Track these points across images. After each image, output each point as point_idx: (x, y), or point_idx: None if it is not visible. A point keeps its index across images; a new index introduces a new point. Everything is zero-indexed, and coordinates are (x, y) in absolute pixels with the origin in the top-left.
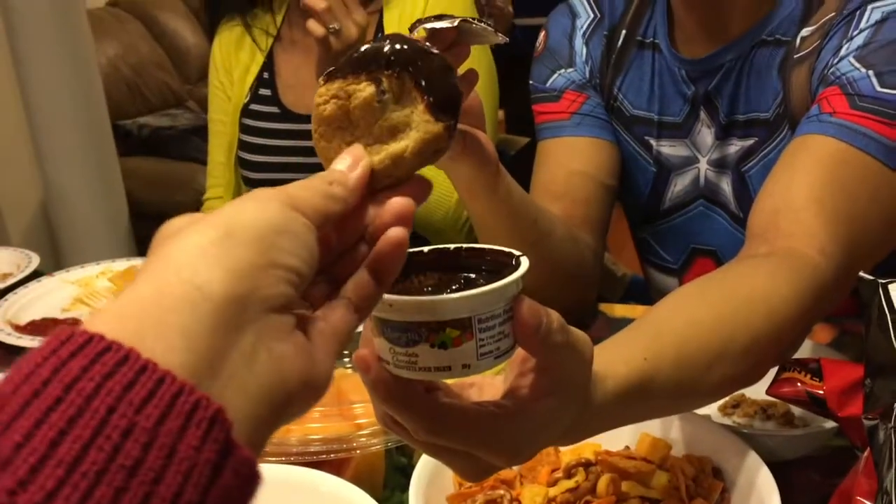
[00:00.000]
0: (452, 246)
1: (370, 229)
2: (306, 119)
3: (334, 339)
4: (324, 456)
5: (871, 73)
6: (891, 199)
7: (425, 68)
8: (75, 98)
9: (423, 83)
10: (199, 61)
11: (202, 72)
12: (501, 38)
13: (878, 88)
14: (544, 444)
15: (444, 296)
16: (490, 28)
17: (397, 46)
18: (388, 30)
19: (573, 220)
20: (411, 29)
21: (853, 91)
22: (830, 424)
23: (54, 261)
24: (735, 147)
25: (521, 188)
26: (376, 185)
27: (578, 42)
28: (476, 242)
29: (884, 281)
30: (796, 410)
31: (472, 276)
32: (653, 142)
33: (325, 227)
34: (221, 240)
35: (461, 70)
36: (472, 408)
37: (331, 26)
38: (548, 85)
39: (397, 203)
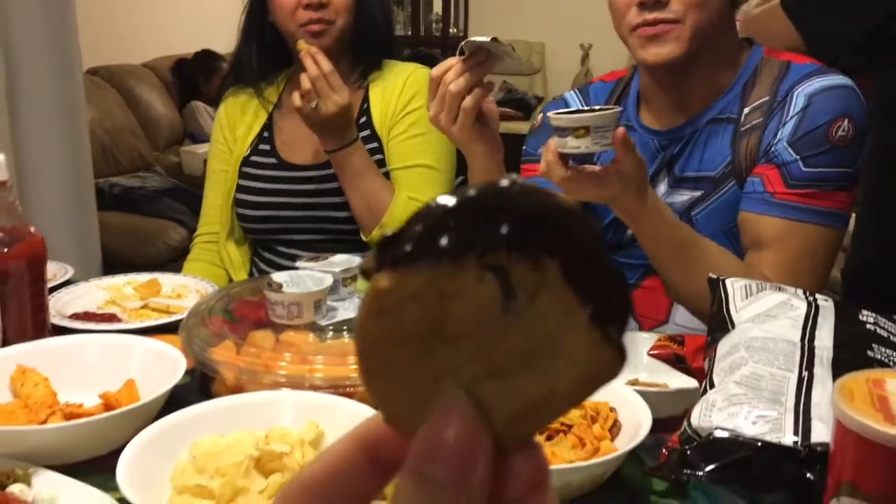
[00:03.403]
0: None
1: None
2: (299, 167)
3: None
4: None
5: (798, 157)
6: (822, 246)
7: (580, 248)
8: (64, 153)
9: (581, 276)
10: (168, 131)
11: (170, 140)
12: (521, 62)
13: (804, 169)
14: (643, 180)
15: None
16: (515, 54)
17: (529, 208)
18: (373, 103)
19: None
20: (461, 49)
21: (787, 172)
22: (694, 385)
23: None
24: (685, 196)
25: None
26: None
27: None
28: None
29: (722, 278)
30: (672, 388)
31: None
32: None
33: None
34: None
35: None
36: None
37: (311, 104)
38: (537, 152)
39: (528, 468)
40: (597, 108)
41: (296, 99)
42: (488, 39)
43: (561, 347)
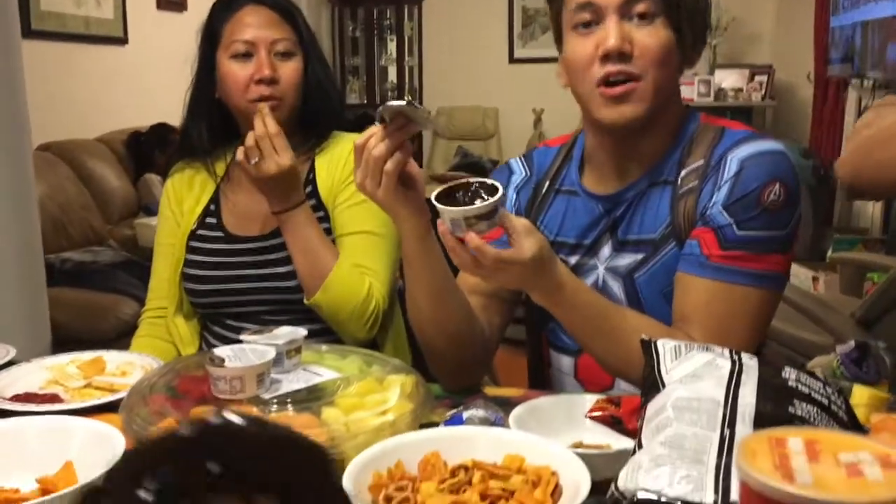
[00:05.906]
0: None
1: None
2: (245, 240)
3: None
4: None
5: (732, 221)
6: (752, 307)
7: (301, 478)
8: (12, 231)
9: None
10: (122, 204)
11: (123, 213)
12: (432, 126)
13: (738, 232)
14: (547, 253)
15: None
16: (431, 116)
17: (241, 447)
18: (319, 173)
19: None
20: (380, 115)
21: (722, 236)
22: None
23: None
24: (628, 259)
25: None
26: None
27: (511, 191)
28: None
29: (654, 339)
30: (615, 448)
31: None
32: (564, 257)
33: None
34: None
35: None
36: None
37: (252, 160)
38: None
39: None
40: (477, 201)
41: (239, 153)
42: (404, 103)
43: None
